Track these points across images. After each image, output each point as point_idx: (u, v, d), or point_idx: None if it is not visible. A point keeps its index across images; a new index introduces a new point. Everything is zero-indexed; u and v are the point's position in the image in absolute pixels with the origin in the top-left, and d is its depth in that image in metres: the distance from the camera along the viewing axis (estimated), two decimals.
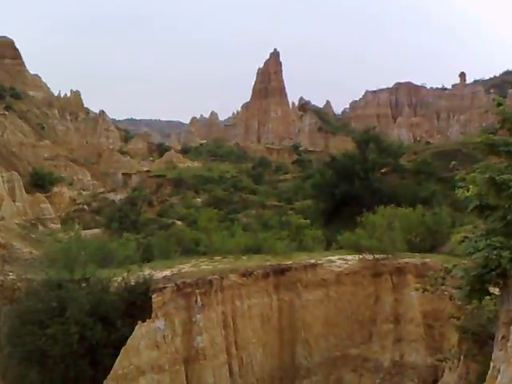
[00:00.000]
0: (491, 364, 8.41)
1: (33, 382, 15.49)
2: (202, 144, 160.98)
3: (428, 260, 19.67)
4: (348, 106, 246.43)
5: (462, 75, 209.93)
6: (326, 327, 18.93)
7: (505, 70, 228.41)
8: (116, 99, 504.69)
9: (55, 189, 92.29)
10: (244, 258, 21.16)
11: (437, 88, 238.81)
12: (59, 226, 69.17)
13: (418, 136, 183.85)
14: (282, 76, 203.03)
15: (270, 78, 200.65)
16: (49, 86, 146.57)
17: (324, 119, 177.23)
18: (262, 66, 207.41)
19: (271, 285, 18.81)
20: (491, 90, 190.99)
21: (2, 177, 76.62)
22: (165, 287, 16.55)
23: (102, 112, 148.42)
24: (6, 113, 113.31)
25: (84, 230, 47.94)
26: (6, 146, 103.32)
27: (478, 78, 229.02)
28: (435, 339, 18.45)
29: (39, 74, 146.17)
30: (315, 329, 18.78)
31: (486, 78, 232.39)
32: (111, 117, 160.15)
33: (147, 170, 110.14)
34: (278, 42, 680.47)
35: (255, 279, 18.48)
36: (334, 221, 40.68)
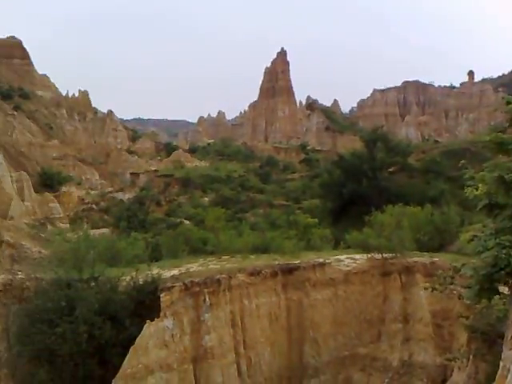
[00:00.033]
0: (500, 363, 8.37)
1: (42, 381, 15.55)
2: (209, 143, 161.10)
3: (437, 259, 19.59)
4: (356, 105, 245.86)
5: (471, 73, 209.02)
6: (334, 326, 18.90)
7: None
8: (124, 99, 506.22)
9: (64, 188, 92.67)
10: (252, 257, 21.15)
11: (445, 86, 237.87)
12: (68, 225, 69.40)
13: (426, 135, 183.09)
14: (289, 75, 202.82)
15: (277, 77, 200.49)
16: (57, 86, 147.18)
17: (331, 118, 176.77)
18: (269, 65, 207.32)
19: (279, 284, 18.80)
20: (500, 89, 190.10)
21: (11, 177, 77.03)
22: (173, 286, 16.58)
23: (110, 112, 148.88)
24: (15, 113, 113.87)
25: (92, 229, 48.07)
26: (15, 146, 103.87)
27: (486, 77, 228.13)
28: (444, 339, 18.37)
29: (47, 74, 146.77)
30: (323, 328, 18.75)
31: (495, 76, 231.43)
32: (119, 116, 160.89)
33: (155, 170, 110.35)
34: (285, 41, 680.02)
35: (263, 278, 18.47)
36: (342, 220, 40.63)
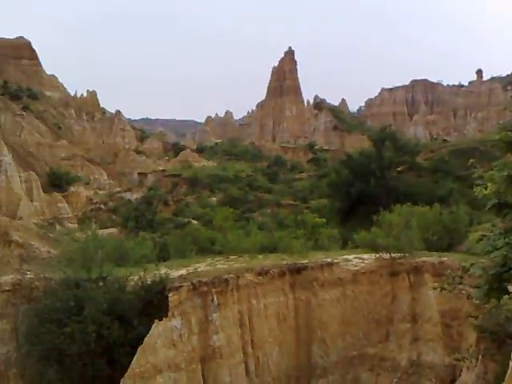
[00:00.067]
0: (510, 363, 8.31)
1: (51, 381, 15.62)
2: (217, 143, 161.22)
3: (445, 259, 19.50)
4: (363, 104, 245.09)
5: (479, 72, 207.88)
6: (342, 326, 18.86)
7: None
8: (132, 99, 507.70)
9: (72, 188, 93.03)
10: (260, 256, 21.14)
11: (453, 85, 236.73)
12: (76, 225, 69.68)
13: (434, 134, 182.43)
14: (296, 74, 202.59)
15: (284, 76, 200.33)
16: (65, 86, 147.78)
17: (339, 117, 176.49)
18: (276, 64, 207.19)
19: (287, 284, 18.78)
20: (509, 87, 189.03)
21: (20, 177, 77.41)
22: (181, 286, 16.60)
23: (118, 112, 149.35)
24: (24, 113, 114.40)
25: (100, 229, 48.26)
26: (24, 147, 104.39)
27: (495, 75, 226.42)
28: (453, 338, 18.28)
29: (56, 75, 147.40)
30: (332, 328, 18.71)
31: (503, 74, 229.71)
32: (127, 116, 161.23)
33: (163, 170, 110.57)
34: (293, 41, 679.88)
35: (271, 278, 18.46)
36: (350, 219, 40.54)
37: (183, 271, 18.65)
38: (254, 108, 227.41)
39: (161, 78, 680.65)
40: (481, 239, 10.01)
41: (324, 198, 54.75)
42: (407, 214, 22.60)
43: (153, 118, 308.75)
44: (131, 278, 17.67)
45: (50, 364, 15.79)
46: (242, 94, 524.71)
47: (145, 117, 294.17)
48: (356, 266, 19.74)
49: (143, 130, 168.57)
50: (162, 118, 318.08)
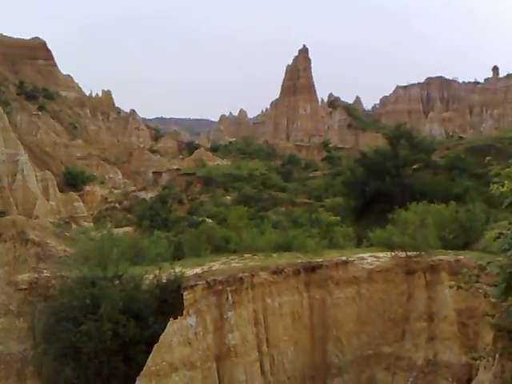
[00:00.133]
0: None
1: (68, 379, 15.72)
2: (231, 142, 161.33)
3: (462, 257, 19.35)
4: (378, 102, 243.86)
5: (495, 69, 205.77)
6: (357, 325, 18.78)
7: None
8: (146, 98, 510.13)
9: (87, 187, 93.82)
10: (274, 255, 21.12)
11: (469, 82, 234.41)
12: (92, 224, 70.23)
13: (450, 131, 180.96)
14: (310, 72, 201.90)
15: (298, 74, 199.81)
16: (80, 86, 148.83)
17: (354, 115, 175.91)
18: (290, 62, 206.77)
19: (302, 282, 18.73)
20: None
21: (36, 176, 78.19)
22: (196, 285, 16.63)
23: (133, 111, 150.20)
24: (40, 113, 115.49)
25: (116, 228, 48.55)
26: (40, 146, 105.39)
27: (511, 72, 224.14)
28: (469, 337, 18.13)
29: (71, 75, 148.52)
30: (347, 327, 18.64)
31: None
32: (141, 116, 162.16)
33: (177, 169, 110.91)
34: (307, 39, 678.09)
35: (286, 277, 18.42)
36: (365, 218, 40.38)
37: (198, 270, 18.69)
38: (268, 106, 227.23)
39: (175, 78, 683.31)
40: (498, 237, 9.90)
41: (338, 197, 54.57)
42: (423, 212, 22.45)
43: (167, 117, 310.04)
44: (146, 276, 17.73)
45: (67, 362, 15.89)
46: (255, 93, 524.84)
47: (159, 116, 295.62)
48: (371, 264, 19.64)
49: (158, 129, 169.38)
50: (176, 117, 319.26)
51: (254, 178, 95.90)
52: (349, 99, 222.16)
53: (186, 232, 36.47)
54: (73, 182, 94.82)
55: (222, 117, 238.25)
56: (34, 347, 17.55)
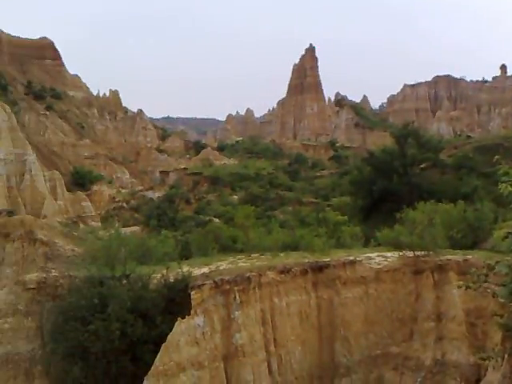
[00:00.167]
0: None
1: (76, 378, 15.77)
2: (237, 141, 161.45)
3: (470, 257, 19.24)
4: (385, 101, 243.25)
5: (503, 67, 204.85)
6: (365, 325, 18.72)
7: None
8: (153, 98, 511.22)
9: (95, 187, 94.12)
10: (281, 255, 21.08)
11: (477, 81, 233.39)
12: (99, 223, 70.44)
13: (458, 130, 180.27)
14: (317, 71, 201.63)
15: (305, 73, 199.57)
16: (88, 85, 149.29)
17: (361, 114, 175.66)
18: (297, 61, 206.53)
19: (309, 282, 18.69)
20: None
21: (44, 176, 78.45)
22: (203, 284, 16.62)
23: (140, 111, 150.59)
24: (47, 113, 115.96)
25: (123, 227, 48.64)
26: (48, 146, 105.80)
27: None
28: (478, 337, 18.03)
29: (78, 75, 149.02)
30: (355, 327, 18.58)
31: None
32: (149, 115, 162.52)
33: (184, 168, 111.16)
34: (314, 38, 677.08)
35: (293, 276, 18.39)
36: (373, 217, 40.29)
37: (205, 269, 18.69)
38: (275, 106, 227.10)
39: (182, 77, 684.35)
40: (506, 237, 9.87)
41: (346, 196, 54.49)
42: (431, 211, 22.33)
43: (174, 116, 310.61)
44: (154, 276, 17.76)
45: (75, 361, 15.93)
46: (262, 92, 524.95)
47: (166, 115, 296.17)
48: (379, 264, 19.57)
49: (165, 129, 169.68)
50: (183, 116, 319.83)
51: (260, 178, 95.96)
52: (356, 98, 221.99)
53: (193, 231, 36.55)
54: (80, 181, 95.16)
55: (229, 116, 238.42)
56: (42, 347, 17.62)
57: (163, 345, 15.34)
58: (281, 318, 17.81)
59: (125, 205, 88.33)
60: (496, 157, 11.65)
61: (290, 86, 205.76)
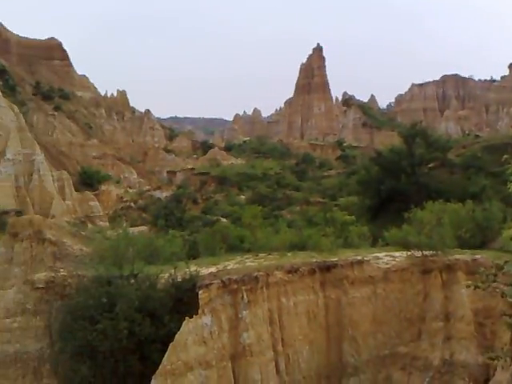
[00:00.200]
0: None
1: (84, 377, 15.81)
2: (245, 141, 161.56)
3: (479, 256, 19.15)
4: (393, 100, 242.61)
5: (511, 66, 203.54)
6: (373, 325, 18.66)
7: None
8: (161, 98, 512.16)
9: (103, 187, 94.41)
10: (289, 254, 21.05)
11: (485, 80, 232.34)
12: (107, 223, 70.68)
13: (466, 129, 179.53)
14: (325, 71, 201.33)
15: (313, 73, 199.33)
16: (96, 86, 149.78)
17: (368, 114, 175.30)
18: (304, 61, 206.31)
19: (317, 282, 18.66)
20: None
21: (53, 176, 78.82)
22: (211, 284, 16.63)
23: (148, 111, 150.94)
24: (55, 113, 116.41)
25: (131, 227, 48.76)
26: (56, 146, 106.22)
27: None
28: (486, 337, 17.95)
29: (86, 75, 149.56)
30: (362, 326, 18.53)
31: None
32: (156, 115, 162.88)
33: (191, 168, 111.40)
34: (321, 38, 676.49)
35: (301, 276, 18.36)
36: (380, 217, 40.17)
37: (213, 269, 18.69)
38: (282, 105, 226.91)
39: (190, 77, 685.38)
40: None
41: (353, 196, 54.36)
42: (439, 211, 22.25)
43: (181, 116, 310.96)
44: (162, 275, 17.78)
45: (83, 360, 15.98)
46: (270, 92, 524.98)
47: (174, 115, 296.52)
48: (387, 263, 19.50)
49: (172, 129, 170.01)
50: (190, 116, 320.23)
51: (268, 177, 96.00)
52: (363, 98, 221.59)
53: (200, 231, 36.58)
54: (88, 181, 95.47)
55: (236, 116, 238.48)
56: (50, 346, 17.70)
57: (171, 344, 15.36)
58: (288, 318, 17.79)
59: (132, 205, 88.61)
60: (504, 156, 11.57)
61: (297, 85, 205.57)
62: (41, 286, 18.26)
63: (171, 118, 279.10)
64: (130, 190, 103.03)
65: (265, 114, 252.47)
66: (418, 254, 19.66)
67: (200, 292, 16.30)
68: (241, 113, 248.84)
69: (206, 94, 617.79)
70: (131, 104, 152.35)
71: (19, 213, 53.59)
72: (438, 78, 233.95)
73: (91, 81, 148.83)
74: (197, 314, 16.00)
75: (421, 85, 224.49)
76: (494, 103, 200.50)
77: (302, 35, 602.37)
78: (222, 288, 16.71)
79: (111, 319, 15.92)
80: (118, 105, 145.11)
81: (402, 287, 19.05)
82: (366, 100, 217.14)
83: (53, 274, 18.54)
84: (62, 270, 18.87)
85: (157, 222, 67.61)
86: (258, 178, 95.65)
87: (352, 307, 18.58)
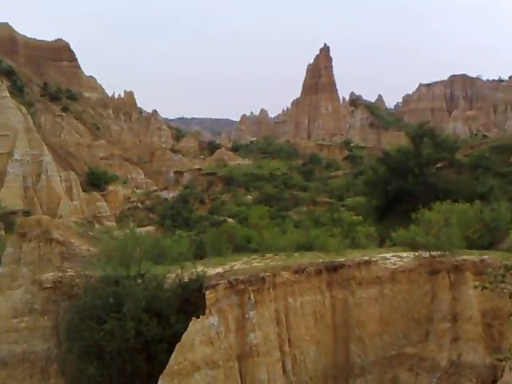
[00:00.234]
0: None
1: (91, 377, 15.85)
2: (252, 141, 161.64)
3: (487, 257, 19.06)
4: (401, 100, 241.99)
5: None
6: (380, 325, 18.61)
7: None
8: (168, 98, 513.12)
9: (110, 187, 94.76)
10: (296, 255, 21.03)
11: (493, 80, 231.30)
12: (114, 223, 70.88)
13: (474, 130, 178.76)
14: (332, 71, 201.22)
15: (320, 73, 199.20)
16: (103, 87, 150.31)
17: (376, 114, 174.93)
18: (311, 61, 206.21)
19: (324, 282, 18.62)
20: None
21: (60, 176, 79.21)
22: (218, 284, 16.63)
23: (155, 111, 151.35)
24: (63, 114, 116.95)
25: (138, 227, 48.87)
26: (64, 147, 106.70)
27: None
28: (494, 338, 17.86)
29: (94, 76, 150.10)
30: (369, 327, 18.48)
31: None
32: (163, 116, 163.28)
33: (198, 168, 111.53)
34: (328, 38, 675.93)
35: (308, 276, 18.33)
36: (388, 217, 40.09)
37: (220, 269, 18.69)
38: (289, 106, 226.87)
39: (196, 78, 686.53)
40: None
41: (360, 196, 54.29)
42: (447, 211, 22.15)
43: (188, 117, 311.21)
44: (169, 275, 17.80)
45: (90, 360, 16.01)
46: (276, 92, 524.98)
47: (181, 116, 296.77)
48: (394, 264, 19.44)
49: (179, 129, 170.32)
50: (197, 116, 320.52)
51: (275, 178, 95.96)
52: (371, 98, 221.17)
53: (207, 231, 36.57)
54: (96, 181, 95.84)
55: (243, 116, 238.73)
56: (57, 345, 17.75)
57: (178, 344, 15.36)
58: (295, 318, 17.76)
59: (139, 205, 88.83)
60: None
61: (304, 85, 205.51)
62: (48, 285, 18.32)
63: (178, 118, 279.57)
64: (137, 191, 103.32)
65: (272, 114, 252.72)
66: (426, 254, 19.59)
67: (207, 292, 16.30)
68: (248, 113, 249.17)
69: (212, 94, 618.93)
70: (138, 105, 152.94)
71: (27, 213, 53.91)
72: (445, 78, 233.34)
73: (99, 82, 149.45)
74: (204, 314, 16.00)
75: (428, 85, 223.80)
76: (502, 103, 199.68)
77: (309, 36, 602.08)
78: (229, 288, 16.71)
79: (118, 319, 15.95)
80: (126, 105, 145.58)
81: (410, 288, 18.99)
82: (373, 100, 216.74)
83: (60, 274, 18.60)
84: (69, 270, 18.93)
85: (164, 222, 67.70)
86: (265, 178, 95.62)
87: (359, 308, 18.53)
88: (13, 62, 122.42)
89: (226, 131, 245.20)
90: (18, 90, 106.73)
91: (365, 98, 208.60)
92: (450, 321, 18.43)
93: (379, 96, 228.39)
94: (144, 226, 61.15)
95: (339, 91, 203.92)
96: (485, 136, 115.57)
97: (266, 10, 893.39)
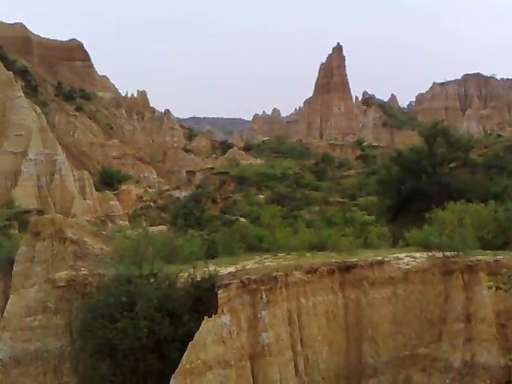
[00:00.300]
0: None
1: (104, 375, 15.92)
2: (264, 141, 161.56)
3: (501, 257, 18.88)
4: (414, 100, 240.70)
5: None
6: (393, 326, 18.51)
7: None
8: (180, 98, 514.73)
9: (123, 187, 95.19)
10: (308, 254, 20.98)
11: (507, 79, 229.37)
12: (127, 222, 71.22)
13: (488, 129, 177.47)
14: (345, 70, 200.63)
15: (332, 72, 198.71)
16: (116, 86, 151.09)
17: (389, 113, 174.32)
18: (324, 60, 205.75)
19: (336, 282, 18.56)
20: None
21: (74, 175, 79.75)
22: (230, 283, 16.63)
23: (167, 111, 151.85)
24: (77, 113, 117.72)
25: (150, 226, 49.06)
26: (77, 146, 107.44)
27: None
28: (508, 339, 17.70)
29: (107, 75, 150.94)
30: (382, 327, 18.39)
31: None
32: (175, 115, 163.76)
33: (211, 168, 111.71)
34: (341, 37, 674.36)
35: (320, 276, 18.28)
36: (401, 217, 39.87)
37: (232, 268, 18.69)
38: (302, 105, 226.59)
39: (209, 77, 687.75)
40: None
41: (373, 196, 54.05)
42: (461, 211, 21.99)
43: (201, 116, 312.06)
44: (181, 274, 17.84)
45: (103, 358, 16.08)
46: (289, 92, 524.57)
47: (193, 115, 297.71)
48: (408, 264, 19.32)
49: (191, 129, 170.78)
50: (209, 116, 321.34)
51: (287, 177, 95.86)
52: (384, 97, 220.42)
53: (219, 231, 36.61)
54: (109, 181, 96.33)
55: (256, 116, 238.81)
56: (70, 344, 17.86)
57: (190, 343, 15.38)
58: (307, 318, 17.72)
59: (152, 204, 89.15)
60: None
61: (316, 85, 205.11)
62: (62, 284, 18.44)
63: (190, 118, 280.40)
64: (150, 190, 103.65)
65: (284, 113, 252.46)
66: (439, 254, 19.46)
67: (219, 292, 16.31)
68: (260, 113, 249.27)
69: (225, 94, 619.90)
70: (151, 104, 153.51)
71: (41, 212, 54.31)
72: (459, 77, 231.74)
73: (112, 81, 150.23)
74: (216, 313, 16.01)
75: (442, 84, 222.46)
76: None
77: (322, 35, 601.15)
78: (241, 288, 16.70)
79: (131, 318, 16.01)
80: (139, 105, 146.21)
81: (423, 288, 18.87)
82: (386, 99, 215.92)
83: (74, 273, 18.72)
84: (82, 268, 19.04)
85: (176, 221, 67.79)
86: (277, 177, 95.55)
87: (372, 308, 18.45)
88: (27, 61, 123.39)
89: (239, 131, 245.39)
90: (32, 90, 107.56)
91: (378, 97, 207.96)
92: (463, 321, 18.29)
93: (392, 95, 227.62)
94: (156, 226, 61.37)
95: (352, 90, 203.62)
96: (499, 135, 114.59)
97: (279, 9, 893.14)
